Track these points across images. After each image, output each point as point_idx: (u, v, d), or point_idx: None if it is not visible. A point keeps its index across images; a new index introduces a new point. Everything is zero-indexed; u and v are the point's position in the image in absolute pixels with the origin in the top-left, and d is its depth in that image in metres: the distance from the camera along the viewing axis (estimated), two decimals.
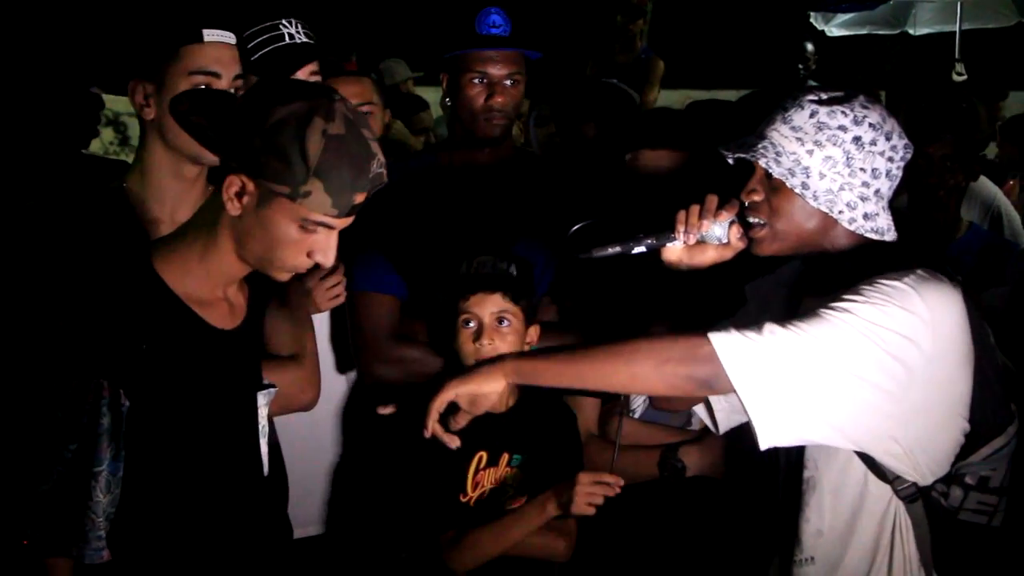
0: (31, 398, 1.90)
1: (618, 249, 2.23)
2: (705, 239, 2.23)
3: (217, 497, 2.04)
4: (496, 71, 2.83)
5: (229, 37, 2.40)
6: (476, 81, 2.84)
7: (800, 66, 5.44)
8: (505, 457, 2.63)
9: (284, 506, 2.37)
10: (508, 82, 2.85)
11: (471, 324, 2.58)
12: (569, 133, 3.95)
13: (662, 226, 2.24)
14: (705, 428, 2.74)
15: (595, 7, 7.23)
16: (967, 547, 2.12)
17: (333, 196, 1.85)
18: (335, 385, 2.93)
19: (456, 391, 2.12)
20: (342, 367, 2.94)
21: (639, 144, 2.84)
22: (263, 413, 2.15)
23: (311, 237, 1.89)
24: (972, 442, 2.09)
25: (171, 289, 1.95)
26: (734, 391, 1.98)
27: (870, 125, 2.09)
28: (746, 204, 2.16)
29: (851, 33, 7.90)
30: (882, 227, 2.12)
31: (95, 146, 3.32)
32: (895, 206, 2.31)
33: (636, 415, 2.85)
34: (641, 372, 2.02)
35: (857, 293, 2.01)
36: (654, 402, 2.46)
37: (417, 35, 3.15)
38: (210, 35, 2.36)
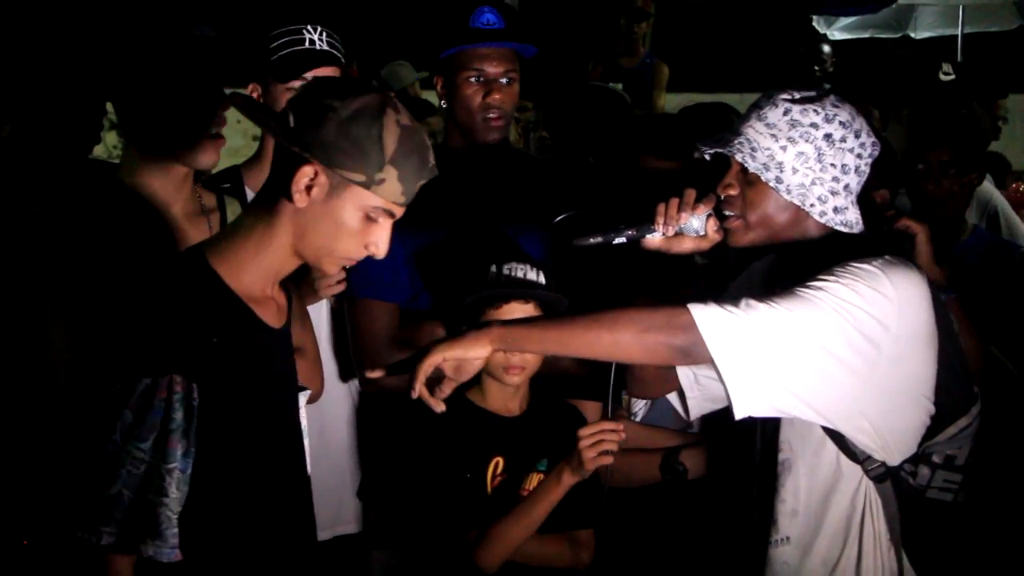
0: (101, 397, 1.89)
1: (599, 239, 2.32)
2: (683, 231, 2.31)
3: (273, 496, 2.04)
4: (492, 68, 2.83)
5: (210, 32, 2.42)
6: (473, 79, 2.83)
7: (816, 68, 5.46)
8: (523, 462, 2.61)
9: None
10: (504, 80, 2.84)
11: None
12: (565, 138, 3.94)
13: (642, 218, 2.32)
14: (689, 422, 2.74)
15: (597, 10, 7.23)
16: (934, 524, 2.21)
17: (404, 184, 1.94)
18: (341, 392, 2.93)
19: (444, 354, 2.13)
20: (345, 375, 2.93)
21: (649, 148, 2.87)
22: (303, 413, 2.18)
23: (371, 227, 1.96)
24: (937, 422, 2.19)
25: (229, 286, 1.97)
26: (711, 360, 2.05)
27: (840, 123, 2.21)
28: (722, 197, 2.26)
29: (853, 37, 7.90)
30: (851, 220, 2.23)
31: (97, 150, 3.31)
32: (899, 206, 2.34)
33: (637, 418, 2.85)
34: (623, 339, 2.09)
35: (830, 274, 2.11)
36: (631, 389, 2.49)
37: (418, 34, 3.13)
38: (196, 31, 2.37)
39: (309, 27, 2.76)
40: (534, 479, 2.62)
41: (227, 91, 2.49)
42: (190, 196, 2.55)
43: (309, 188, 1.91)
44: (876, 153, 2.26)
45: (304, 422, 2.18)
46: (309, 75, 2.69)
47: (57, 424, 2.33)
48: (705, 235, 2.31)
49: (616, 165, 3.06)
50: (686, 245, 2.33)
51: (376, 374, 2.26)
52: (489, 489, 2.59)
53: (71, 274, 2.35)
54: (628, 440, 2.78)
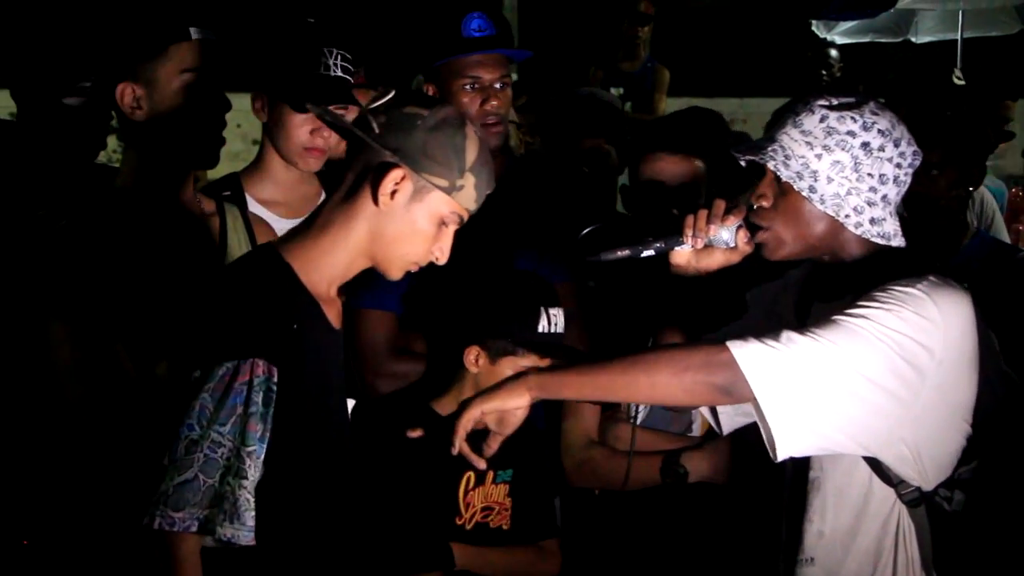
0: (182, 381, 1.92)
1: (627, 252, 2.27)
2: (713, 243, 2.25)
3: (330, 488, 2.08)
4: (487, 75, 2.84)
5: (211, 35, 2.42)
6: (468, 87, 2.84)
7: (824, 72, 5.47)
8: (491, 475, 2.62)
9: None
10: (498, 85, 2.85)
11: None
12: (561, 144, 3.93)
13: (670, 230, 2.27)
14: (707, 434, 2.73)
15: (598, 15, 7.24)
16: (968, 551, 2.14)
17: (477, 192, 2.04)
18: None
19: (482, 408, 2.12)
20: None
21: (656, 148, 2.86)
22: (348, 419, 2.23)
23: (441, 233, 2.03)
24: (974, 446, 2.12)
25: (301, 281, 2.01)
26: (753, 399, 1.99)
27: (879, 131, 2.12)
28: (754, 207, 2.19)
29: (853, 41, 7.90)
30: (888, 232, 2.14)
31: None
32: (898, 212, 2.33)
33: (638, 421, 2.85)
34: (661, 381, 2.04)
35: (872, 299, 2.03)
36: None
37: (408, 40, 3.14)
38: (196, 33, 2.37)
39: (326, 50, 2.74)
40: (500, 490, 2.63)
41: (230, 96, 2.50)
42: (190, 201, 2.55)
43: (394, 192, 1.97)
44: (917, 163, 2.18)
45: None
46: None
47: (57, 423, 2.33)
48: (735, 247, 2.25)
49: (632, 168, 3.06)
50: (716, 258, 2.27)
51: (416, 434, 2.33)
52: (463, 506, 2.59)
53: (74, 275, 2.35)
54: (627, 443, 2.78)
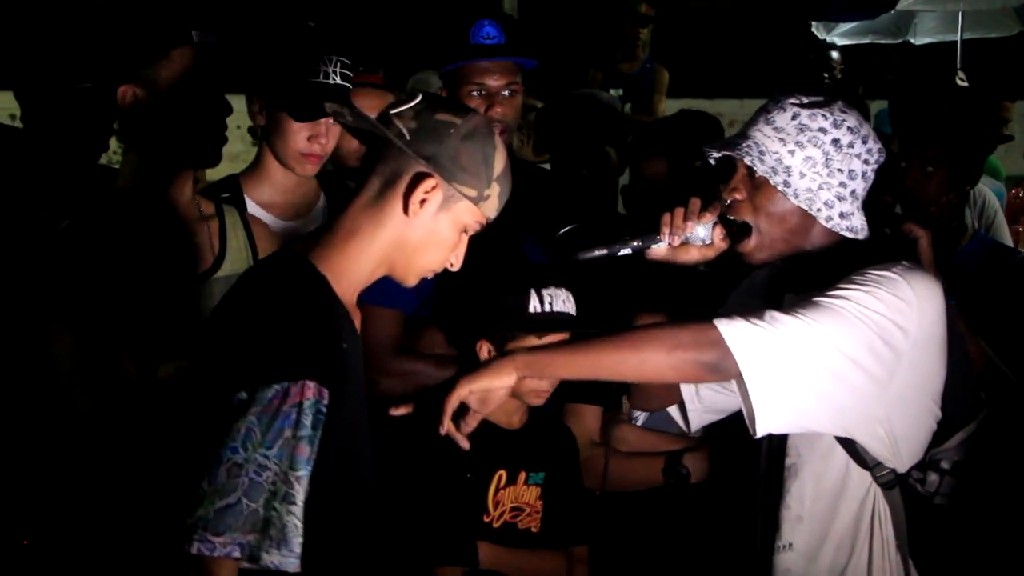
0: (213, 409, 1.82)
1: (604, 251, 2.30)
2: (689, 240, 2.29)
3: (366, 508, 2.03)
4: (493, 82, 2.85)
5: (212, 38, 2.42)
6: (474, 93, 2.85)
7: (825, 75, 5.47)
8: (523, 475, 2.62)
9: None
10: (506, 92, 2.86)
11: None
12: (557, 150, 3.93)
13: (647, 228, 2.31)
14: (689, 434, 2.74)
15: (598, 16, 7.24)
16: (941, 531, 2.21)
17: (500, 200, 2.03)
18: None
19: (469, 387, 2.12)
20: None
21: (657, 150, 2.88)
22: None
23: (460, 240, 2.01)
24: (946, 429, 2.19)
25: (336, 294, 1.96)
26: (739, 375, 2.03)
27: (848, 128, 2.20)
28: (727, 202, 2.24)
29: (853, 42, 7.90)
30: (856, 226, 2.22)
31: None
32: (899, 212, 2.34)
33: (638, 422, 2.85)
34: (651, 358, 2.06)
35: (851, 282, 2.10)
36: (634, 401, 2.49)
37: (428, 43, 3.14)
38: (198, 36, 2.37)
39: (326, 58, 2.74)
40: (531, 492, 2.62)
41: (230, 97, 2.51)
42: (189, 202, 2.56)
43: (423, 200, 1.94)
44: (882, 159, 2.25)
45: None
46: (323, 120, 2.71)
47: (59, 426, 2.33)
48: (711, 243, 2.29)
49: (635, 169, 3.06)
50: (692, 254, 2.31)
51: (402, 411, 2.25)
52: (492, 504, 2.59)
53: (75, 278, 2.35)
54: (629, 444, 2.79)
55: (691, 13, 12.24)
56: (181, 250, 2.46)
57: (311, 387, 1.81)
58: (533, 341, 2.45)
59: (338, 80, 2.76)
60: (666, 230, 2.29)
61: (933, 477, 2.19)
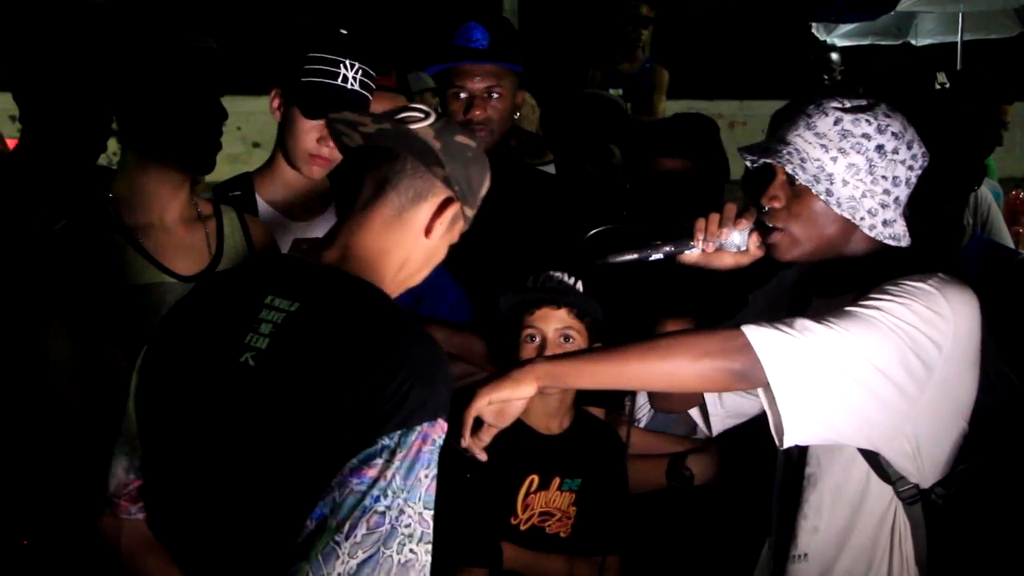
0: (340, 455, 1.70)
1: (635, 256, 2.25)
2: (724, 247, 2.23)
3: None
4: (475, 84, 2.86)
5: (212, 43, 2.42)
6: (456, 95, 2.86)
7: (825, 76, 5.47)
8: (557, 481, 2.60)
9: None
10: (488, 95, 2.86)
11: (535, 339, 2.53)
12: (563, 147, 3.94)
13: (680, 233, 2.25)
14: (711, 436, 2.74)
15: (598, 16, 7.24)
16: (963, 549, 2.14)
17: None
18: None
19: (489, 397, 2.05)
20: None
21: (660, 152, 2.88)
22: None
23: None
24: (971, 446, 2.13)
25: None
26: (766, 384, 1.97)
27: (892, 134, 2.11)
28: (765, 209, 2.16)
29: (853, 43, 7.90)
30: (899, 234, 2.15)
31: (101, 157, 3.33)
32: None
33: (642, 424, 2.85)
34: (678, 367, 2.01)
35: (884, 292, 2.03)
36: (655, 402, 2.45)
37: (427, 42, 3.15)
38: (198, 42, 2.38)
39: (346, 63, 2.73)
40: (564, 498, 2.61)
41: (230, 98, 2.51)
42: (186, 203, 2.56)
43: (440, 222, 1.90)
44: (926, 164, 2.18)
45: None
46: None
47: (55, 423, 2.33)
48: (747, 250, 2.23)
49: (627, 170, 3.06)
50: (726, 261, 2.25)
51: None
52: (520, 507, 2.58)
53: (71, 277, 2.35)
54: (632, 446, 2.78)
55: (691, 14, 12.25)
56: (177, 249, 2.47)
57: (444, 424, 1.75)
58: (528, 320, 2.47)
59: (356, 87, 2.74)
60: (700, 236, 2.23)
61: (954, 492, 2.13)
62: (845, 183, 2.10)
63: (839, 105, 2.13)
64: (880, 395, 2.01)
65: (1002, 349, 2.71)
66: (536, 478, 2.57)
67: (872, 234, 2.12)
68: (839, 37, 7.87)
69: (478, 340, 2.76)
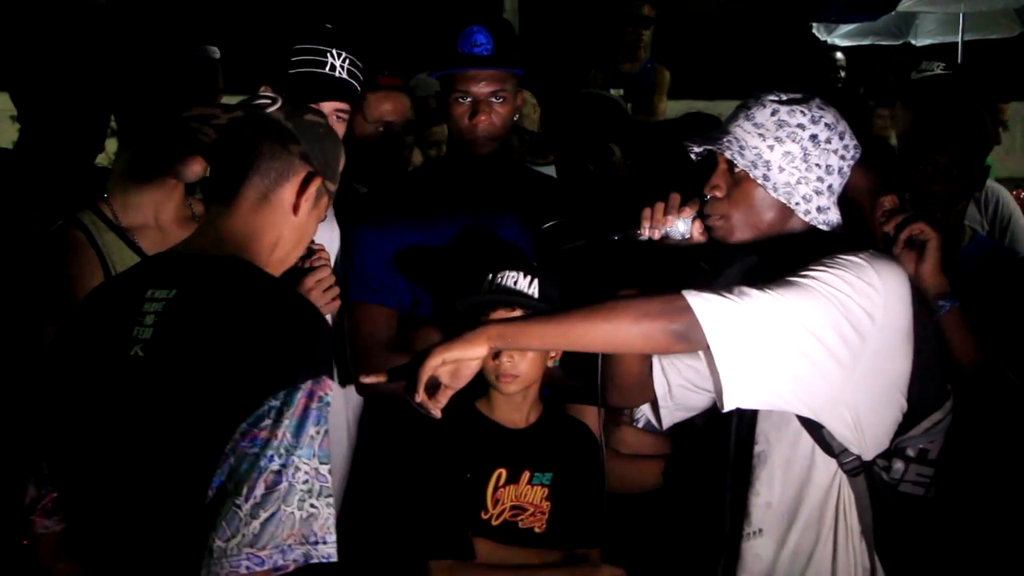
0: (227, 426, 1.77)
1: (585, 243, 2.35)
2: (669, 234, 2.33)
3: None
4: (479, 89, 2.86)
5: (214, 52, 2.43)
6: (460, 100, 2.87)
7: (832, 75, 5.48)
8: (526, 475, 2.61)
9: None
10: (493, 99, 2.86)
11: None
12: (564, 146, 3.93)
13: (627, 223, 2.34)
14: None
15: (599, 16, 7.25)
16: (906, 519, 2.26)
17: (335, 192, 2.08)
18: (338, 395, 2.93)
19: (442, 356, 2.12)
20: (343, 380, 2.93)
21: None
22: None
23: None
24: (911, 417, 2.25)
25: None
26: (706, 346, 2.06)
27: (826, 125, 2.26)
28: (707, 197, 2.29)
29: (854, 44, 7.90)
30: (832, 220, 2.28)
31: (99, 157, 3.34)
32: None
33: (639, 425, 2.85)
34: (621, 328, 2.09)
35: (820, 264, 2.15)
36: (610, 398, 2.49)
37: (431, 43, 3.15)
38: (199, 50, 2.39)
39: (334, 52, 2.74)
40: (536, 492, 2.62)
41: (229, 98, 2.51)
42: (181, 203, 2.57)
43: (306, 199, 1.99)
44: (858, 156, 2.31)
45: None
46: (326, 106, 2.68)
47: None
48: (691, 238, 2.33)
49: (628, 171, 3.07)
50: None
51: (373, 379, 2.22)
52: (491, 502, 2.59)
53: (68, 277, 2.35)
54: (629, 446, 2.79)
55: (692, 14, 12.25)
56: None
57: (328, 381, 1.82)
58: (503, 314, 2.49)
59: (344, 75, 2.75)
60: (647, 224, 2.33)
61: (898, 464, 2.25)
62: (781, 169, 2.23)
63: (776, 98, 2.27)
64: (815, 360, 2.10)
65: (1001, 348, 2.71)
66: (504, 472, 2.59)
67: (807, 219, 2.25)
68: (839, 37, 7.86)
69: (434, 331, 2.79)
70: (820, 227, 2.26)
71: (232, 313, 1.83)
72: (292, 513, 1.75)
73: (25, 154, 3.08)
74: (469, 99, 2.86)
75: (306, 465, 1.76)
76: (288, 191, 1.97)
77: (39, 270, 2.38)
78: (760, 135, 2.25)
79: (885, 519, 2.25)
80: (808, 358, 2.10)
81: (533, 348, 2.41)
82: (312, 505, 1.77)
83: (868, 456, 2.24)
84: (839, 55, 5.85)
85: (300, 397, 1.77)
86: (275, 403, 1.76)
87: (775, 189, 2.23)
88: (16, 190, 3.00)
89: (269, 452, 1.74)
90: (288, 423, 1.76)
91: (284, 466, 1.75)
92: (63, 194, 2.87)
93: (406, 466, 2.59)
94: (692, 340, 2.08)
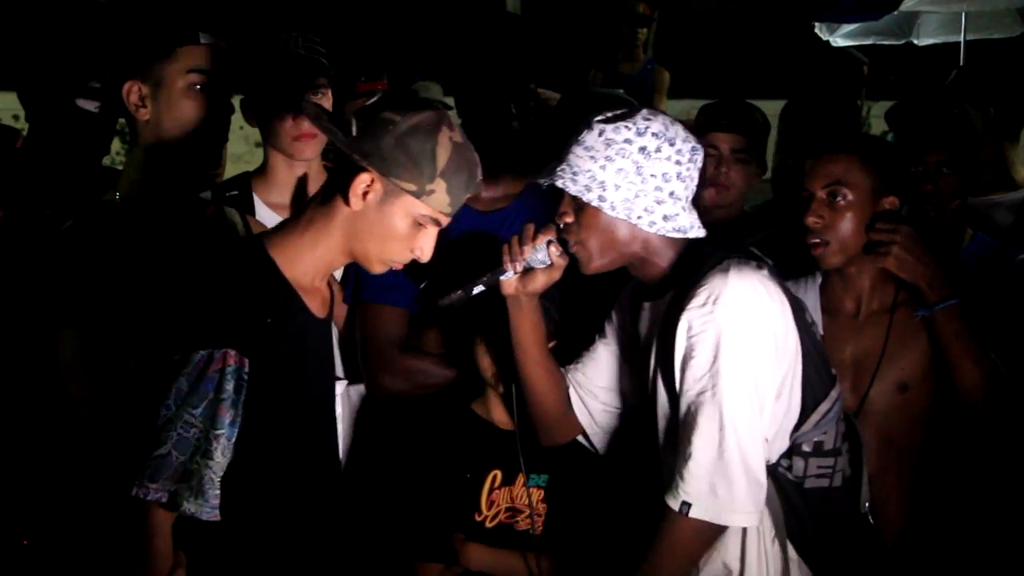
0: (160, 368, 2.02)
1: (460, 294, 2.38)
2: (532, 264, 2.38)
3: (307, 473, 2.18)
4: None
5: (221, 41, 2.43)
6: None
7: (857, 81, 5.46)
8: (522, 477, 2.61)
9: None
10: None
11: None
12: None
13: (493, 264, 2.39)
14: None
15: (599, 16, 7.24)
16: (815, 514, 2.31)
17: (451, 196, 2.13)
18: (338, 398, 2.92)
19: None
20: (352, 377, 2.94)
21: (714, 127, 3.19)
22: (339, 402, 2.34)
23: (419, 233, 2.13)
24: (802, 413, 2.31)
25: (283, 273, 2.12)
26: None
27: (653, 134, 2.27)
28: (560, 226, 2.34)
29: (856, 43, 7.88)
30: (684, 226, 2.30)
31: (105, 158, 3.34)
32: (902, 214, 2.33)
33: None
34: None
35: (704, 358, 2.19)
36: (541, 439, 2.57)
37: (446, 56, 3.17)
38: (205, 37, 2.39)
39: (290, 35, 2.79)
40: (532, 493, 2.62)
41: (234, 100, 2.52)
42: (192, 203, 2.57)
43: (365, 193, 2.07)
44: (699, 157, 2.32)
45: (339, 410, 2.32)
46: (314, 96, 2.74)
47: (63, 427, 2.33)
48: (552, 263, 2.37)
49: None
50: (539, 279, 2.40)
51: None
52: (485, 503, 2.59)
53: (79, 279, 2.35)
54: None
55: (692, 14, 12.25)
56: (182, 249, 2.46)
57: (232, 355, 1.99)
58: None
59: (302, 52, 2.79)
60: (507, 259, 2.38)
61: (799, 462, 2.29)
62: (617, 187, 2.26)
63: (601, 118, 2.30)
64: (759, 432, 2.23)
65: (1001, 348, 2.70)
66: (499, 473, 2.59)
67: (653, 230, 2.28)
68: (842, 37, 7.84)
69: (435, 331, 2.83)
70: (672, 235, 2.28)
71: (187, 276, 2.08)
72: (184, 463, 1.98)
73: (31, 153, 3.08)
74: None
75: (200, 424, 1.98)
76: (341, 184, 2.12)
77: (54, 274, 2.37)
78: (591, 157, 2.27)
79: (798, 518, 2.30)
80: (757, 437, 2.21)
81: None
82: (196, 462, 1.98)
83: (772, 460, 2.28)
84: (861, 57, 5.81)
85: (198, 360, 2.00)
86: (176, 358, 2.01)
87: (613, 208, 2.26)
88: (23, 189, 3.00)
89: (166, 400, 2.00)
90: (184, 380, 2.00)
91: (176, 416, 1.99)
92: (70, 193, 2.88)
93: (400, 467, 2.59)
94: (717, 532, 2.23)
